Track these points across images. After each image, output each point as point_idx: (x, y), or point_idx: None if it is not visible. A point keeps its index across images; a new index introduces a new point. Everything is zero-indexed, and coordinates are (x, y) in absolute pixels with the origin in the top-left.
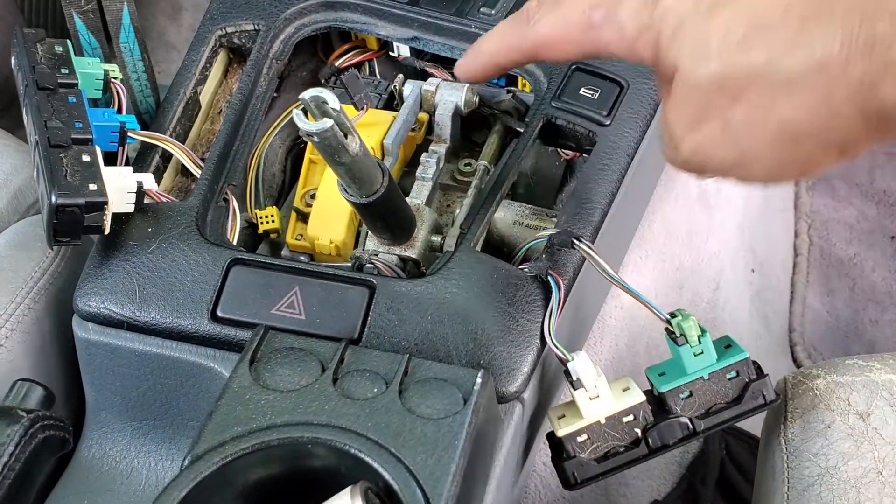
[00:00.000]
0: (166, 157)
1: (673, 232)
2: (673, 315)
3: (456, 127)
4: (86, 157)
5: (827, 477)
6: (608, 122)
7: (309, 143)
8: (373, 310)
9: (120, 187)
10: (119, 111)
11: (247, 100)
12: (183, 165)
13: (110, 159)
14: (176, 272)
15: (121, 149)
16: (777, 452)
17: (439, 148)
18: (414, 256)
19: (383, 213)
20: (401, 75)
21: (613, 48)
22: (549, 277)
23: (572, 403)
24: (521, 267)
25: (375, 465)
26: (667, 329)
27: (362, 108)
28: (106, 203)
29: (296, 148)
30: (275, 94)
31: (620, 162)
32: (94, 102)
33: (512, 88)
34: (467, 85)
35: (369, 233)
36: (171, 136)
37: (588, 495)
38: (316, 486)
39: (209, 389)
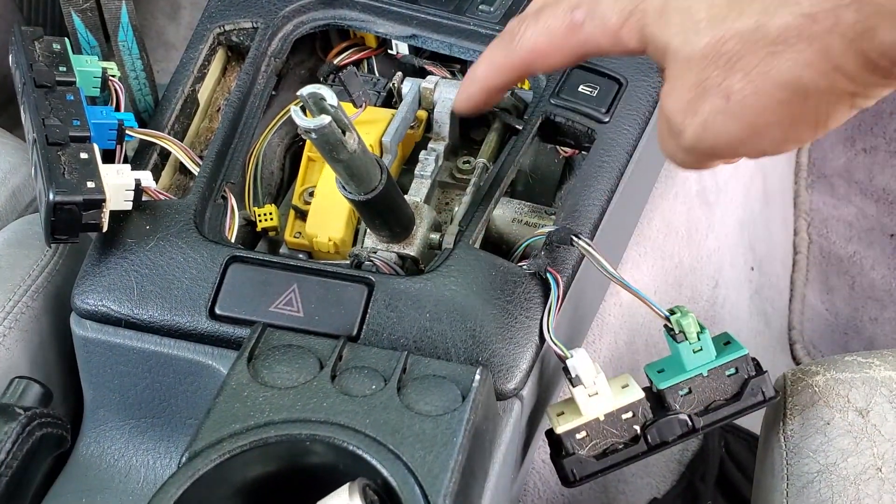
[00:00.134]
0: (164, 154)
1: (672, 229)
2: (672, 312)
3: (455, 124)
4: (84, 155)
5: (826, 474)
6: (607, 120)
7: (307, 141)
8: (371, 307)
9: (118, 185)
10: (117, 109)
11: (245, 98)
12: (181, 163)
13: (108, 157)
14: (174, 270)
15: (119, 147)
16: (776, 449)
17: (438, 145)
18: (412, 254)
19: (382, 210)
20: (399, 73)
21: (600, 42)
22: (548, 274)
23: (571, 400)
24: (519, 264)
25: (374, 461)
26: (666, 326)
27: (361, 106)
28: (104, 201)
29: (294, 145)
30: (273, 92)
31: (619, 159)
32: (93, 100)
33: None
34: None
35: (368, 230)
36: (169, 133)
37: (587, 493)
38: (314, 483)
39: (207, 387)
